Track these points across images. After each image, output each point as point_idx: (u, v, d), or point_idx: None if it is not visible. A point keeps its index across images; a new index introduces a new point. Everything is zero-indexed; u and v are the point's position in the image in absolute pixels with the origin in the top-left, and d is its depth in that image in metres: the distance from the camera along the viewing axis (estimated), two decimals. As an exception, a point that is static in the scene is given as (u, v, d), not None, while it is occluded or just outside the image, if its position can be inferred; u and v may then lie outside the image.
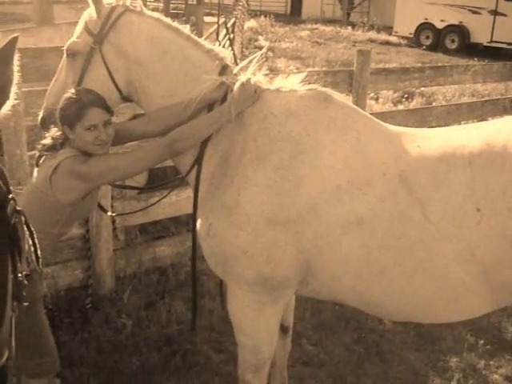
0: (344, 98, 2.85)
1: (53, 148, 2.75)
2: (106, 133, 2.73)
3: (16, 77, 1.34)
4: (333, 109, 2.76)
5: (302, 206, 2.59)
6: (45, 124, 2.92)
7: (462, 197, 2.44)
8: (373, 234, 2.54)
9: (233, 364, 3.21)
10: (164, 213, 4.90)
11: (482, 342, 4.41)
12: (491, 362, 4.23)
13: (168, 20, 2.91)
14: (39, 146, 2.81)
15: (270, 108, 2.75)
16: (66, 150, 2.73)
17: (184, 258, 5.10)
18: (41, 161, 2.78)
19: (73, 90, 2.74)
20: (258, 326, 2.86)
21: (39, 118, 2.97)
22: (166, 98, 2.83)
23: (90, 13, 2.87)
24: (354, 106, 2.88)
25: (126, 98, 2.95)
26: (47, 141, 2.79)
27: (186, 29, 2.95)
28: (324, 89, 2.81)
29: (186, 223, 5.44)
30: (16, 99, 1.37)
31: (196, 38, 2.93)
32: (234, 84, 2.76)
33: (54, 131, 2.80)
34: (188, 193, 4.57)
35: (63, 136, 2.76)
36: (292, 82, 2.83)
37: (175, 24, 2.91)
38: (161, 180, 4.83)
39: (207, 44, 2.95)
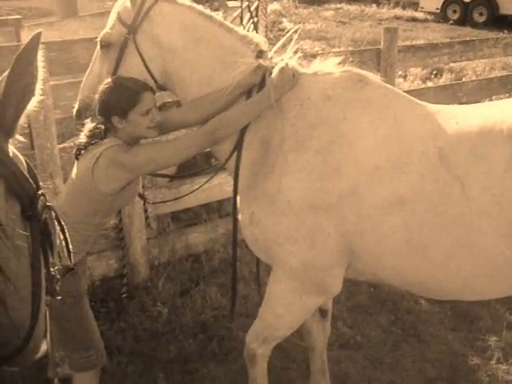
0: (378, 78, 2.82)
1: (95, 138, 2.75)
2: (158, 114, 2.76)
3: (41, 73, 1.34)
4: (368, 90, 2.74)
5: (343, 189, 2.59)
6: (80, 116, 2.93)
7: (502, 172, 2.41)
8: (413, 212, 2.53)
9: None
10: (196, 200, 4.90)
11: (520, 320, 4.35)
12: (531, 340, 4.17)
13: (200, 7, 2.90)
14: (77, 143, 2.81)
15: (307, 93, 2.74)
16: (107, 140, 2.73)
17: (217, 244, 5.11)
18: (82, 152, 2.78)
19: (110, 80, 2.73)
20: (289, 311, 2.89)
21: (74, 110, 2.97)
22: (202, 86, 2.82)
23: (123, 3, 2.87)
24: (390, 86, 2.85)
25: (162, 87, 2.94)
26: (82, 139, 2.78)
27: (218, 15, 2.93)
28: (358, 70, 2.78)
29: (217, 209, 5.45)
30: (42, 94, 1.36)
31: (229, 24, 2.91)
32: (271, 68, 2.74)
33: (89, 127, 2.80)
34: (219, 179, 4.57)
35: (101, 128, 2.76)
36: (329, 65, 2.81)
37: (207, 11, 2.89)
38: (190, 167, 4.85)
39: (241, 30, 2.93)
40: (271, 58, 2.85)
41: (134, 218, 4.58)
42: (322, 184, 2.60)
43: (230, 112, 2.76)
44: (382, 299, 4.59)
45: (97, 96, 2.72)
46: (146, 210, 4.61)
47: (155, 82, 2.87)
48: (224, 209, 5.49)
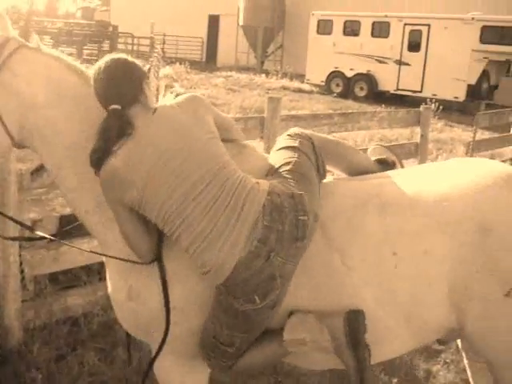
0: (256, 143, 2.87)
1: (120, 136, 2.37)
2: None
3: None
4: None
5: None
6: None
7: (378, 242, 2.48)
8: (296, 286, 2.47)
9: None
10: (75, 261, 4.77)
11: (395, 380, 4.48)
12: (404, 400, 4.32)
13: (69, 59, 2.65)
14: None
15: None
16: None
17: (96, 307, 4.97)
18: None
19: (111, 59, 2.47)
20: None
21: None
22: (70, 150, 2.53)
23: None
24: (252, 146, 2.87)
25: (19, 146, 2.62)
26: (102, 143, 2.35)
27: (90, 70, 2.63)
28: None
29: (97, 272, 5.31)
30: None
31: None
32: None
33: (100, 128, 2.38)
34: (100, 240, 4.48)
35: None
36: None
37: (77, 64, 2.64)
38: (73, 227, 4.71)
39: None
40: None
41: (9, 279, 4.37)
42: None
43: None
44: (262, 362, 4.60)
45: (104, 79, 2.39)
46: (22, 271, 4.45)
47: (11, 138, 2.54)
48: (105, 271, 5.36)
